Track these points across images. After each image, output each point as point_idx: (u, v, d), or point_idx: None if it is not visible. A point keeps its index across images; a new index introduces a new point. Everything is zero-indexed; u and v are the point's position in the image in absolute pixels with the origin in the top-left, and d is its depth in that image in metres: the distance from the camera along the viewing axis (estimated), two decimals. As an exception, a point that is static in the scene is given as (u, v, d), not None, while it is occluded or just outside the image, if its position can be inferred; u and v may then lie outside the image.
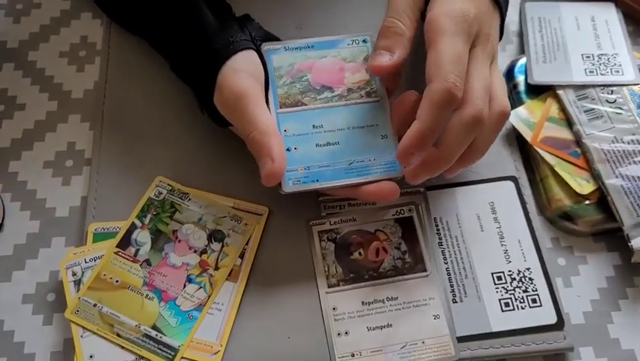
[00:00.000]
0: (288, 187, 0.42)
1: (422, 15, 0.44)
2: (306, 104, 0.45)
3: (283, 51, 0.47)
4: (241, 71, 0.43)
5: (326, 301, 0.43)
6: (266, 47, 0.47)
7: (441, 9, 0.41)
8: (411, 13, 0.43)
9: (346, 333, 0.42)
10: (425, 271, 0.44)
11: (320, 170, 0.43)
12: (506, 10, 0.46)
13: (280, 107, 0.44)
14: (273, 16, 0.54)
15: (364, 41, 0.48)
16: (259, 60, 0.45)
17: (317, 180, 0.42)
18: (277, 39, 0.49)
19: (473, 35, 0.41)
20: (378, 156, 0.43)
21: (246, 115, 0.42)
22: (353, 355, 0.42)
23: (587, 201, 0.46)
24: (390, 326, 0.42)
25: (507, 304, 0.43)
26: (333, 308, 0.43)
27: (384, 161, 0.43)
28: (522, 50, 0.54)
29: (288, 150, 0.43)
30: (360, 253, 0.45)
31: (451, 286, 0.44)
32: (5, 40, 0.55)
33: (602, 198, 0.46)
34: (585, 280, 0.46)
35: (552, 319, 0.43)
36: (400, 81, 0.46)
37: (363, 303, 0.43)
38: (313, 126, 0.44)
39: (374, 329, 0.42)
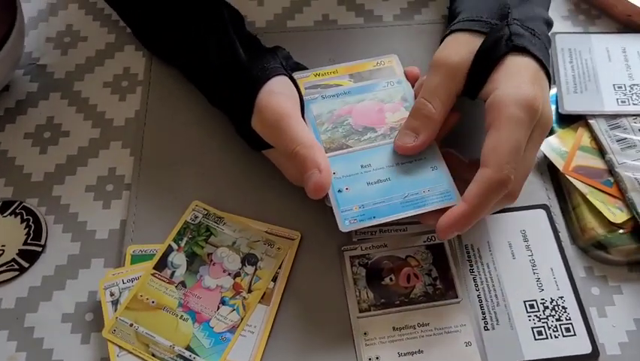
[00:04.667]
0: (345, 227, 0.42)
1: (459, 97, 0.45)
2: (351, 147, 0.45)
3: (321, 100, 0.48)
4: (279, 93, 0.45)
5: (357, 326, 0.44)
6: (305, 96, 0.48)
7: (508, 91, 0.41)
8: (444, 96, 0.43)
9: (377, 358, 0.42)
10: (457, 297, 0.44)
11: (375, 206, 0.42)
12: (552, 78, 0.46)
13: (326, 152, 0.45)
14: (308, 49, 0.56)
15: (398, 82, 0.48)
16: (293, 85, 0.47)
17: (374, 217, 0.42)
18: (305, 68, 0.50)
19: (535, 121, 0.41)
20: (433, 187, 0.43)
21: (289, 132, 0.43)
22: (384, 380, 0.42)
23: (621, 230, 0.46)
24: (422, 352, 0.42)
25: (540, 333, 0.43)
26: (365, 333, 0.43)
27: (439, 191, 0.43)
28: (553, 80, 0.55)
29: (339, 191, 0.43)
30: (391, 279, 0.45)
31: (483, 313, 0.44)
32: (53, 71, 0.58)
33: (636, 228, 0.46)
34: (620, 310, 0.45)
35: (587, 349, 0.42)
36: (451, 128, 0.46)
37: (394, 328, 0.43)
38: (361, 166, 0.44)
39: (405, 354, 0.42)
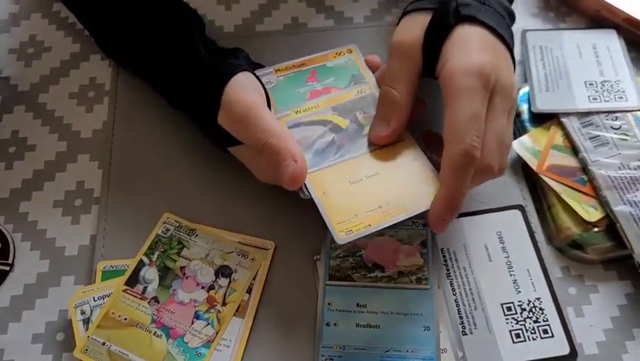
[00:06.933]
0: None
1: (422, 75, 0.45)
2: (354, 280, 0.44)
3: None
4: (246, 86, 0.45)
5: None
6: None
7: (456, 63, 0.41)
8: (405, 79, 0.44)
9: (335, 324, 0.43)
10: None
11: (355, 352, 0.42)
12: (513, 46, 0.46)
13: (329, 279, 0.44)
14: (278, 53, 0.55)
15: (424, 225, 0.46)
16: (257, 80, 0.46)
17: None
18: (263, 66, 0.50)
19: (491, 88, 0.40)
20: (418, 349, 0.42)
21: (259, 124, 0.42)
22: None
23: (596, 229, 0.46)
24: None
25: (518, 336, 0.43)
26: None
27: (423, 355, 0.41)
28: (524, 78, 0.54)
29: (327, 324, 0.43)
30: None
31: (460, 317, 0.44)
32: (17, 83, 0.56)
33: (611, 226, 0.46)
34: (597, 309, 0.45)
35: (565, 350, 0.42)
36: (420, 116, 0.46)
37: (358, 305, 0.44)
38: (357, 305, 0.43)
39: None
